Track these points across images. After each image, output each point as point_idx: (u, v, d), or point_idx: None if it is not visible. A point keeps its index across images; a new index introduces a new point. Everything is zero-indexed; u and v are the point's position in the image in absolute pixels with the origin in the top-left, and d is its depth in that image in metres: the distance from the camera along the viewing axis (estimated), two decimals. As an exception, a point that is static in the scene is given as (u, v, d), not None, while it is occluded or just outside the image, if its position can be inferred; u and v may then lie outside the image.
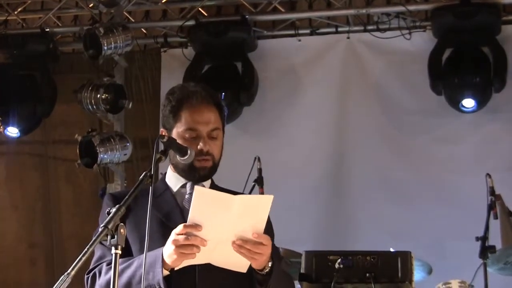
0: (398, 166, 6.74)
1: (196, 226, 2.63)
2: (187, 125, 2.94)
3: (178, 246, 2.65)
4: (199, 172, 2.95)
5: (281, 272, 2.95)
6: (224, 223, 2.65)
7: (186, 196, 2.98)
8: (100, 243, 2.64)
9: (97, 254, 2.87)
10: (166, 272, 2.72)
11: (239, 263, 2.74)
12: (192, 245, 2.64)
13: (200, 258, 2.70)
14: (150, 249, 2.65)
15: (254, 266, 2.77)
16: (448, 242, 6.40)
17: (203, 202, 2.63)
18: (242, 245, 2.67)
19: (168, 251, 2.69)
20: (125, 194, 2.69)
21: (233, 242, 2.66)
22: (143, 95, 7.47)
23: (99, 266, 2.86)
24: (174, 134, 2.97)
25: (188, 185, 3.00)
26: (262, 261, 2.74)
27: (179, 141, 2.91)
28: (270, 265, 2.80)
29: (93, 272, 2.86)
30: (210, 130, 2.96)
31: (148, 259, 2.63)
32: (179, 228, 2.67)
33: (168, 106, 2.99)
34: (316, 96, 7.01)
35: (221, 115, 3.02)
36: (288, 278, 3.08)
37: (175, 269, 2.74)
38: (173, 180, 3.03)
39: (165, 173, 3.08)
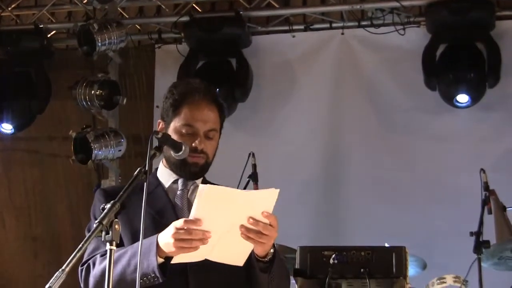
0: (392, 162, 6.74)
1: (197, 221, 2.60)
2: (186, 121, 2.95)
3: (178, 240, 2.62)
4: (191, 168, 2.95)
5: (281, 260, 2.95)
6: (228, 218, 2.63)
7: (178, 192, 2.98)
8: None
9: (91, 246, 2.85)
10: (160, 260, 2.70)
11: (238, 256, 2.73)
12: (192, 239, 2.62)
13: (199, 255, 2.68)
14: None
15: (258, 252, 2.76)
16: (442, 237, 6.40)
17: (208, 198, 2.60)
18: (253, 226, 2.63)
19: (165, 240, 2.66)
20: (117, 190, 2.69)
21: (242, 226, 2.63)
22: (137, 91, 7.46)
23: (93, 258, 2.85)
24: (171, 127, 2.97)
25: (180, 181, 3.00)
26: (269, 245, 2.74)
27: (175, 135, 2.91)
28: (272, 251, 2.81)
29: (87, 263, 2.86)
30: (208, 129, 2.96)
31: (142, 248, 2.59)
32: (180, 222, 2.64)
33: (170, 99, 2.99)
34: (311, 92, 7.02)
35: (220, 116, 3.03)
36: (286, 270, 3.08)
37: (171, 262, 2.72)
38: (165, 176, 3.03)
39: (157, 168, 3.07)
